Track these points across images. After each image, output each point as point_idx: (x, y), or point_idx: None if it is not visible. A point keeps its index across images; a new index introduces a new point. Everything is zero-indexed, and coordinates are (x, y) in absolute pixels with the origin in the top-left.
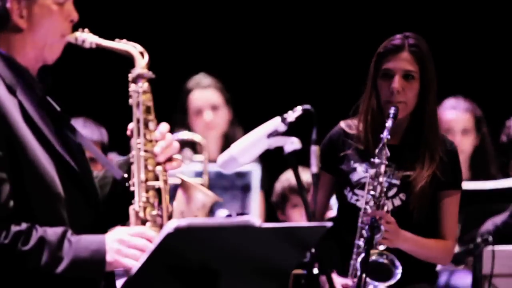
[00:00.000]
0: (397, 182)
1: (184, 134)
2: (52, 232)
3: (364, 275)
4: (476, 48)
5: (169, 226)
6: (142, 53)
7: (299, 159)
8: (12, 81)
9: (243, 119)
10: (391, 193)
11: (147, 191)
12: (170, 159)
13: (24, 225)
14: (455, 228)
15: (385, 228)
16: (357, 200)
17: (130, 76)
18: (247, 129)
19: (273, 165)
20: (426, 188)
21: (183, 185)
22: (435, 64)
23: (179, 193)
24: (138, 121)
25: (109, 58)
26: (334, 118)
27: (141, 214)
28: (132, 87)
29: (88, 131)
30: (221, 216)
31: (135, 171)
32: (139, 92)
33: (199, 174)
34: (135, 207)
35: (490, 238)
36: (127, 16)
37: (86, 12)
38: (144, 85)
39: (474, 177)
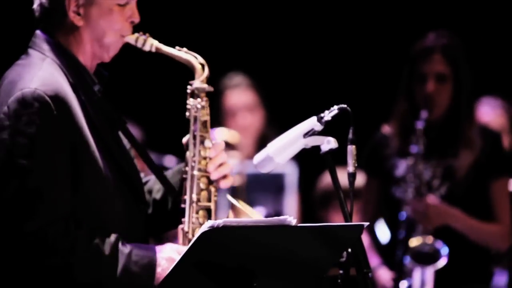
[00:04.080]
0: (440, 172)
1: (220, 133)
2: (107, 242)
3: (398, 275)
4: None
5: (205, 225)
6: (202, 65)
7: (336, 158)
8: (75, 80)
9: (279, 119)
10: (436, 184)
11: (197, 212)
12: (223, 177)
13: (81, 231)
14: (508, 214)
15: (429, 212)
16: (401, 193)
17: (189, 88)
18: (282, 128)
19: (310, 164)
20: (469, 175)
21: (234, 209)
22: (471, 63)
23: (230, 215)
24: (194, 136)
25: (143, 61)
26: (371, 117)
27: (190, 236)
28: (190, 101)
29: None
30: (258, 216)
31: (187, 190)
32: (198, 108)
33: (234, 174)
34: (185, 227)
35: None
36: (163, 15)
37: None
38: (202, 100)
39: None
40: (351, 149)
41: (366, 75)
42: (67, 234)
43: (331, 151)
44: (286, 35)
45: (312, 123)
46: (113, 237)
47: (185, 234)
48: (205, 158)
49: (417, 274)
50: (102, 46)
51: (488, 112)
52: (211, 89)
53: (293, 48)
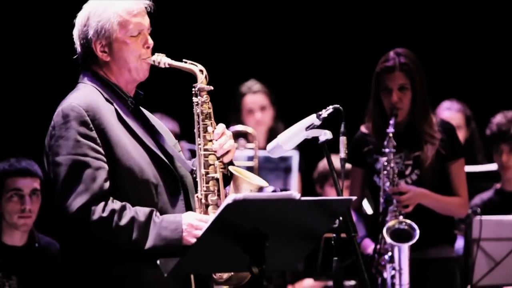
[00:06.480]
0: (410, 162)
1: (239, 127)
2: (142, 213)
3: (380, 238)
4: (469, 59)
5: (229, 199)
6: (201, 70)
7: (331, 147)
8: (109, 96)
9: (286, 116)
10: (408, 172)
11: (207, 182)
12: (227, 152)
13: (118, 204)
14: (465, 188)
15: (403, 198)
16: (380, 183)
17: (193, 90)
18: (288, 123)
19: (310, 151)
20: (433, 163)
21: (233, 177)
22: (435, 73)
23: (231, 183)
24: (199, 126)
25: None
26: (358, 115)
27: (203, 200)
28: (194, 99)
29: (164, 122)
30: (268, 191)
31: (197, 166)
32: (199, 103)
33: (250, 158)
34: (199, 195)
35: (478, 210)
36: (187, 35)
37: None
38: (203, 97)
39: (465, 163)
40: (342, 139)
41: (356, 81)
42: (105, 209)
43: (327, 141)
44: (291, 50)
45: (312, 119)
46: (148, 209)
47: (200, 200)
48: (211, 140)
49: (395, 250)
50: (130, 71)
51: (448, 111)
52: (210, 88)
53: (297, 60)
